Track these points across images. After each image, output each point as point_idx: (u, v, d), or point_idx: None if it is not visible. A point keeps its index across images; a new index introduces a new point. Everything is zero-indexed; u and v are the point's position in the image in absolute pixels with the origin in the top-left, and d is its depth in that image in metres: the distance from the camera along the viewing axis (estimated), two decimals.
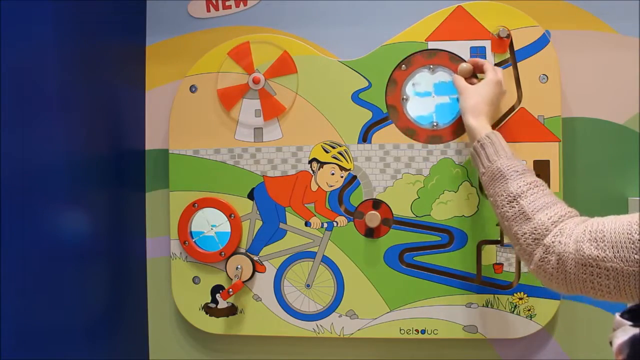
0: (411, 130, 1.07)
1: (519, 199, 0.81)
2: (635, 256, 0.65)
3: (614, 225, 0.69)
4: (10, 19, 0.80)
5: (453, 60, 1.06)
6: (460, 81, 0.99)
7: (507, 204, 0.82)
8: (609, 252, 0.68)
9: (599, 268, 0.68)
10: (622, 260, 0.67)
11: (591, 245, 0.69)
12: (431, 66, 1.07)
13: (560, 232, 0.74)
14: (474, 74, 1.01)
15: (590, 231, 0.70)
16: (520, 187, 0.82)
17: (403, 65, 1.07)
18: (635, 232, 0.66)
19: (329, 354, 1.15)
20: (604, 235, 0.69)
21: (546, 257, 0.74)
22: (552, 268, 0.74)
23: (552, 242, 0.74)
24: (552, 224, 0.76)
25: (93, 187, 1.02)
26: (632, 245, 0.66)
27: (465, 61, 1.03)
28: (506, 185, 0.83)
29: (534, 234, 0.77)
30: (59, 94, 0.92)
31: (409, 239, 1.08)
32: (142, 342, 1.19)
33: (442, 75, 1.07)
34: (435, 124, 1.07)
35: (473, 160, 0.92)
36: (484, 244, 1.06)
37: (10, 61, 0.80)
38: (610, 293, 0.69)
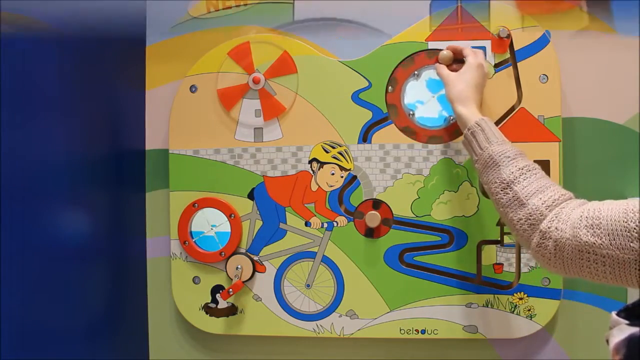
0: (435, 137, 1.07)
1: (512, 185, 0.81)
2: (631, 244, 0.66)
3: (610, 212, 0.69)
4: (10, 19, 0.80)
5: (430, 55, 1.05)
6: (443, 69, 0.98)
7: (501, 190, 0.82)
8: (605, 239, 0.68)
9: (596, 255, 0.69)
10: (618, 248, 0.67)
11: (588, 231, 0.70)
12: (415, 72, 1.06)
13: (557, 217, 0.74)
14: (456, 60, 1.00)
15: (587, 217, 0.71)
16: (512, 172, 0.82)
17: (390, 87, 1.07)
18: (631, 221, 0.66)
19: (329, 354, 1.15)
20: (600, 222, 0.69)
21: (543, 243, 0.75)
22: (550, 253, 0.74)
23: (549, 227, 0.74)
24: (546, 209, 0.76)
25: (93, 187, 1.02)
26: (628, 234, 0.66)
27: (443, 49, 1.01)
28: (499, 172, 0.83)
29: (530, 219, 0.77)
30: (59, 94, 0.92)
31: (409, 239, 1.08)
32: (142, 342, 1.18)
33: (428, 74, 1.06)
34: (450, 118, 1.06)
35: (465, 149, 0.92)
36: (484, 244, 1.06)
37: (10, 61, 0.80)
38: (607, 278, 0.69)
